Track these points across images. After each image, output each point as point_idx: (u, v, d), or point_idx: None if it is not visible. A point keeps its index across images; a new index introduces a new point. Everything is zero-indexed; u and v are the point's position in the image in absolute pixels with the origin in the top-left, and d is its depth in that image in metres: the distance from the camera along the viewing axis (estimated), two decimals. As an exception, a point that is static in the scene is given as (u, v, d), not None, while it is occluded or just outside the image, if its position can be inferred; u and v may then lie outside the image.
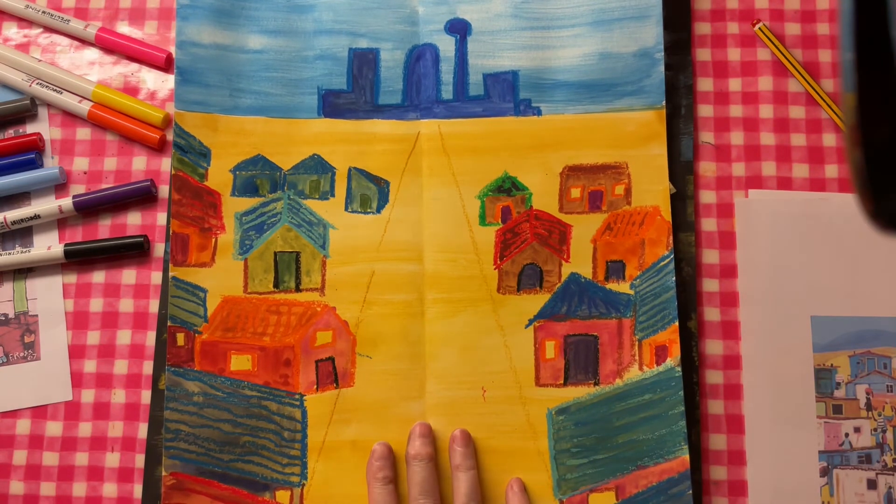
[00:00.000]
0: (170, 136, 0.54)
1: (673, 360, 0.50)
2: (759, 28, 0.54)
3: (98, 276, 0.53)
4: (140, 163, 0.54)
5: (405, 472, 0.49)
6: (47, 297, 0.53)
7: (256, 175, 0.53)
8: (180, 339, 0.51)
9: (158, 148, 0.54)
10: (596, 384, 0.50)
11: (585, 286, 0.52)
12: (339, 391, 0.51)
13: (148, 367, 0.52)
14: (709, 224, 0.52)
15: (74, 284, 0.53)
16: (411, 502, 0.47)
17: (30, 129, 0.55)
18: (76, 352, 0.52)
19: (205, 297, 0.52)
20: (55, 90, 0.55)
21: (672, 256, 0.51)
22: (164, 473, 0.49)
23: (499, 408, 0.50)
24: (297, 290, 0.52)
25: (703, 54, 0.54)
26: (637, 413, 0.50)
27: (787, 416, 0.50)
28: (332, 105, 0.54)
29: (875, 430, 0.50)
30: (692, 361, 0.51)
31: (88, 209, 0.54)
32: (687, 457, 0.49)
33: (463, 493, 0.47)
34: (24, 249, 0.53)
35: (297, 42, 0.55)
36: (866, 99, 0.24)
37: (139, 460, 0.51)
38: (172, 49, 0.55)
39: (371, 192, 0.53)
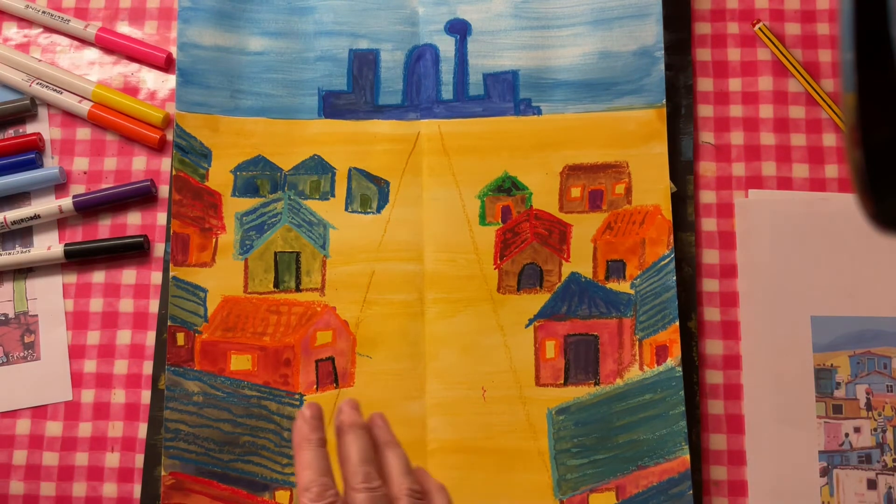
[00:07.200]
0: (170, 136, 0.54)
1: (673, 360, 0.50)
2: (759, 28, 0.54)
3: (98, 276, 0.53)
4: (140, 163, 0.54)
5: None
6: (47, 297, 0.53)
7: (257, 175, 0.53)
8: (180, 338, 0.51)
9: (158, 148, 0.54)
10: (596, 384, 0.50)
11: (586, 286, 0.52)
12: (338, 391, 0.51)
13: (148, 367, 0.52)
14: (709, 224, 0.52)
15: (74, 284, 0.53)
16: (351, 470, 0.40)
17: (30, 129, 0.55)
18: (76, 352, 0.52)
19: (205, 297, 0.52)
20: (55, 90, 0.55)
21: (672, 256, 0.51)
22: (163, 473, 0.49)
23: (499, 408, 0.50)
24: (298, 290, 0.52)
25: (703, 54, 0.54)
26: (637, 413, 0.50)
27: (787, 416, 0.50)
28: (332, 106, 0.54)
29: (875, 430, 0.50)
30: (692, 361, 0.51)
31: (88, 209, 0.53)
32: (687, 457, 0.49)
33: (397, 468, 0.40)
34: (24, 249, 0.53)
35: (298, 43, 0.55)
36: (866, 99, 0.24)
37: (139, 460, 0.51)
38: (172, 49, 0.55)
39: (371, 192, 0.53)
